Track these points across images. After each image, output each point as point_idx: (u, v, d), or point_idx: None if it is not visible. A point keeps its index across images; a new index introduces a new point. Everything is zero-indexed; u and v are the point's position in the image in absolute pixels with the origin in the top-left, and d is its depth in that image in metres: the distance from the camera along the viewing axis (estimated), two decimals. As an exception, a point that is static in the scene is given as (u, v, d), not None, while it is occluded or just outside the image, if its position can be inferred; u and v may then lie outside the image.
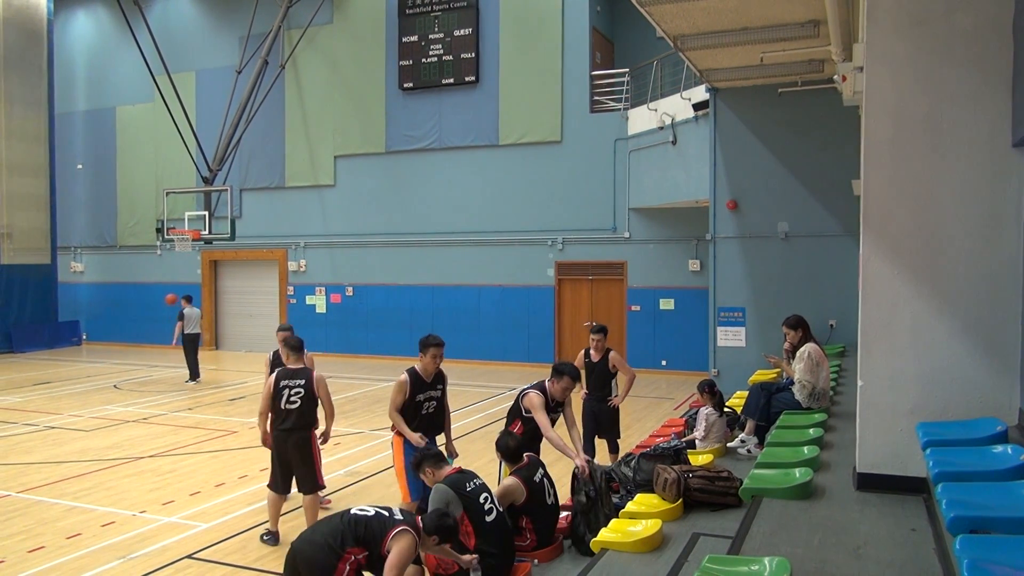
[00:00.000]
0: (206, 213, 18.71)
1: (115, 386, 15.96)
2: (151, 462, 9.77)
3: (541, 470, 5.73)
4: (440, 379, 6.68)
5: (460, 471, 5.36)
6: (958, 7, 4.94)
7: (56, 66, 23.03)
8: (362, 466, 9.44)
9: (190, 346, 16.18)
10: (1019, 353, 4.86)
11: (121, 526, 7.41)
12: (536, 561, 5.37)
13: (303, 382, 6.82)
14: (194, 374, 16.28)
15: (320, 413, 7.07)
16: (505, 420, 6.75)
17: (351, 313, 20.56)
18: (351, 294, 20.63)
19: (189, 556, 6.66)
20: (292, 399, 6.75)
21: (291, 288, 21.35)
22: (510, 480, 5.59)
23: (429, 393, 6.55)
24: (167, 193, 19.34)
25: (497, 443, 5.87)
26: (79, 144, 24.15)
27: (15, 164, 21.77)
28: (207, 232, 18.44)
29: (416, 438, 6.34)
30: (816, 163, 12.98)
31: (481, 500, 5.12)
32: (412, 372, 6.51)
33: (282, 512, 7.18)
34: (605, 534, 4.94)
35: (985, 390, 4.94)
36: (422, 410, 6.51)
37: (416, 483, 6.35)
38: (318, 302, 21.00)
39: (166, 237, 18.71)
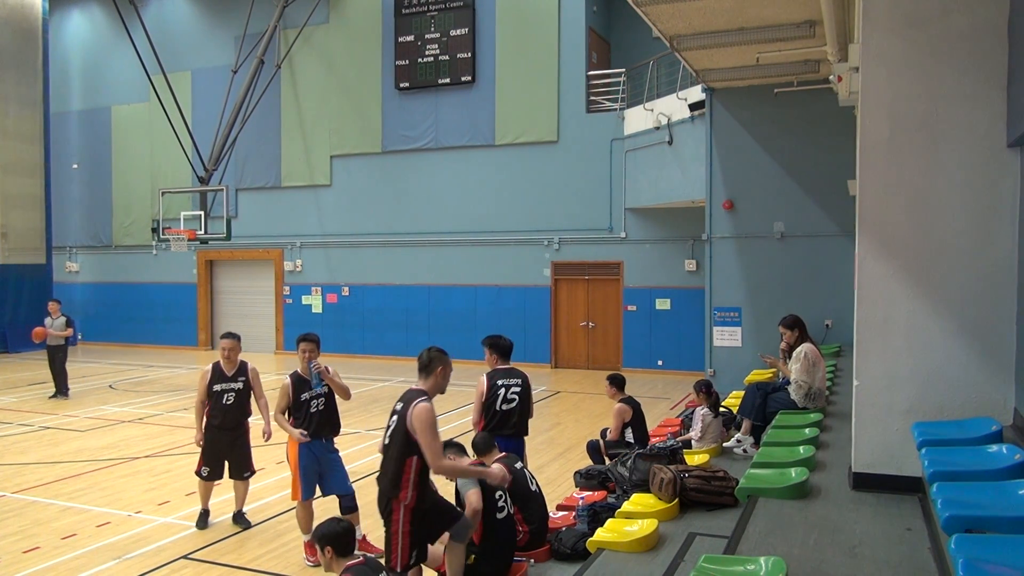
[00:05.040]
0: (202, 213, 18.68)
1: (111, 386, 15.93)
2: (147, 462, 9.74)
3: (520, 463, 5.84)
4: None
5: (482, 463, 5.40)
6: (954, 8, 4.95)
7: (51, 65, 22.95)
8: (360, 466, 9.43)
9: (63, 356, 14.47)
10: (1014, 353, 4.87)
11: (117, 526, 7.40)
12: (532, 561, 5.38)
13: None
14: (64, 388, 14.51)
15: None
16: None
17: (347, 313, 20.54)
18: (347, 294, 20.61)
19: (185, 556, 6.64)
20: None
21: (287, 288, 21.33)
22: (493, 467, 5.62)
23: (316, 391, 6.62)
24: (163, 193, 19.30)
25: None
26: (74, 144, 24.09)
27: (10, 164, 21.71)
28: (203, 232, 18.40)
29: (298, 434, 6.49)
30: (812, 163, 13.00)
31: (496, 496, 5.15)
32: (294, 375, 6.65)
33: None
34: (601, 534, 4.94)
35: (980, 390, 4.95)
36: (311, 408, 6.60)
37: (309, 483, 6.51)
38: (314, 302, 20.98)
39: (162, 237, 18.67)
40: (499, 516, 5.12)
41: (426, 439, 4.51)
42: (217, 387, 7.31)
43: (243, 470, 7.41)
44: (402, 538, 4.59)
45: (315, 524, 6.60)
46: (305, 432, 6.51)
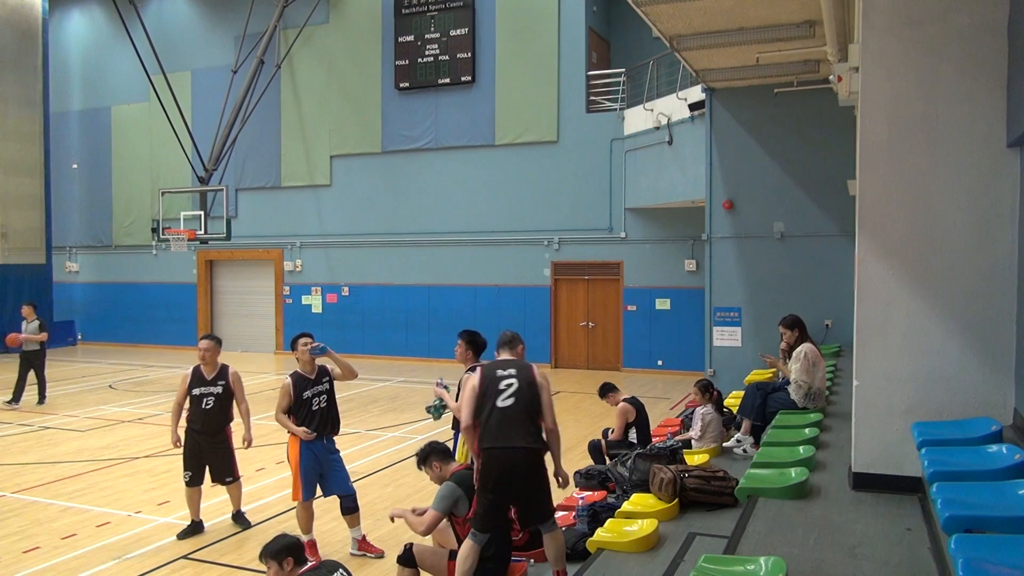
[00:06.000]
0: (202, 213, 18.68)
1: (110, 386, 15.93)
2: (146, 462, 9.75)
3: None
4: (324, 372, 6.77)
5: (469, 467, 5.36)
6: (953, 7, 4.95)
7: (51, 65, 22.93)
8: (359, 466, 9.44)
9: (40, 361, 13.76)
10: (1014, 352, 4.87)
11: (116, 526, 7.40)
12: (532, 561, 5.37)
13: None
14: (19, 396, 13.54)
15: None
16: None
17: (347, 313, 20.54)
18: (347, 294, 20.61)
19: (185, 556, 6.64)
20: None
21: (287, 288, 21.33)
22: None
23: (318, 388, 6.63)
24: (163, 193, 19.29)
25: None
26: (74, 144, 24.08)
27: (10, 163, 21.70)
28: (203, 232, 18.40)
29: (303, 432, 6.46)
30: (812, 163, 12.99)
31: None
32: (294, 374, 6.66)
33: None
34: (601, 534, 4.94)
35: (980, 390, 4.95)
36: (313, 406, 6.58)
37: (310, 484, 6.51)
38: (314, 302, 20.98)
39: (162, 237, 18.66)
40: None
41: (549, 397, 4.91)
42: (196, 391, 7.19)
43: (224, 475, 7.25)
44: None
45: (315, 524, 6.65)
46: (309, 430, 6.48)
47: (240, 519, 7.37)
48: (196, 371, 7.27)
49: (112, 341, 23.38)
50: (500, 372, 4.93)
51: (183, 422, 7.34)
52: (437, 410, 6.73)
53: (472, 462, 6.11)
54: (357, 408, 13.36)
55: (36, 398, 13.74)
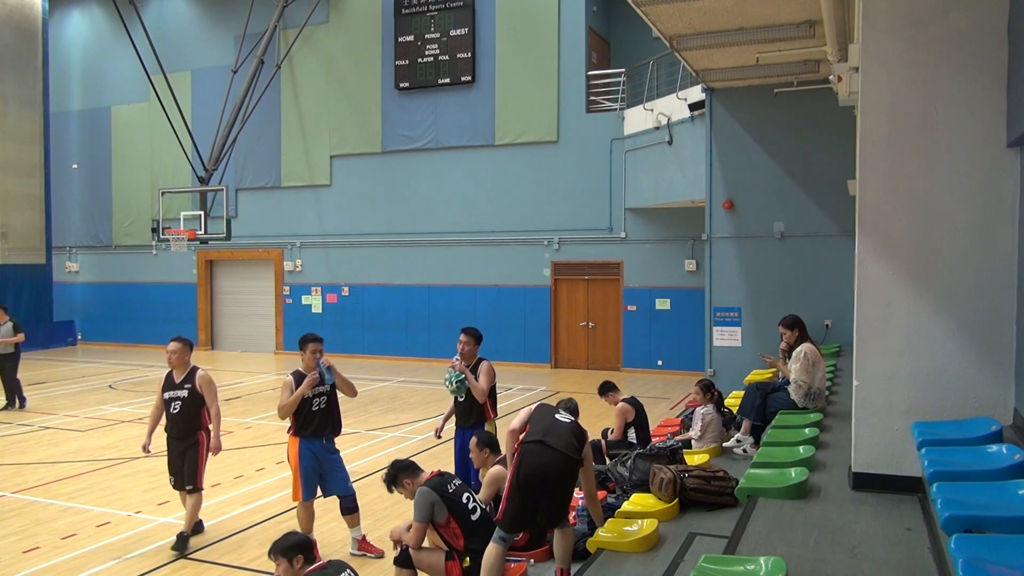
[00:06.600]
0: (202, 213, 18.67)
1: (110, 386, 15.92)
2: (146, 462, 9.71)
3: None
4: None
5: (440, 473, 5.37)
6: (954, 8, 4.95)
7: (51, 65, 22.94)
8: (359, 466, 9.44)
9: (14, 364, 13.30)
10: (1014, 352, 4.87)
11: (116, 526, 7.40)
12: (532, 561, 5.38)
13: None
14: (20, 399, 13.36)
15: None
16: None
17: (347, 313, 20.55)
18: (347, 294, 20.61)
19: (184, 556, 6.64)
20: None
21: (287, 288, 21.33)
22: (494, 468, 5.65)
23: (319, 389, 6.62)
24: (163, 193, 19.28)
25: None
26: (74, 144, 24.09)
27: (10, 164, 21.70)
28: (203, 232, 18.40)
29: (311, 378, 6.46)
30: (812, 163, 12.99)
31: (464, 500, 5.14)
32: (296, 373, 6.63)
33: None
34: (601, 534, 4.95)
35: (980, 390, 4.95)
36: (313, 407, 6.56)
37: (310, 484, 6.49)
38: (314, 302, 20.98)
39: (162, 237, 18.66)
40: (473, 518, 5.11)
41: (592, 468, 5.23)
42: (166, 395, 7.00)
43: (184, 482, 6.95)
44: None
45: (315, 524, 6.65)
46: (318, 377, 6.49)
47: (181, 541, 6.76)
48: (168, 375, 7.08)
49: (112, 341, 23.37)
50: (559, 411, 5.11)
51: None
52: (460, 385, 6.94)
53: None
54: (357, 408, 13.35)
55: (19, 402, 13.30)
